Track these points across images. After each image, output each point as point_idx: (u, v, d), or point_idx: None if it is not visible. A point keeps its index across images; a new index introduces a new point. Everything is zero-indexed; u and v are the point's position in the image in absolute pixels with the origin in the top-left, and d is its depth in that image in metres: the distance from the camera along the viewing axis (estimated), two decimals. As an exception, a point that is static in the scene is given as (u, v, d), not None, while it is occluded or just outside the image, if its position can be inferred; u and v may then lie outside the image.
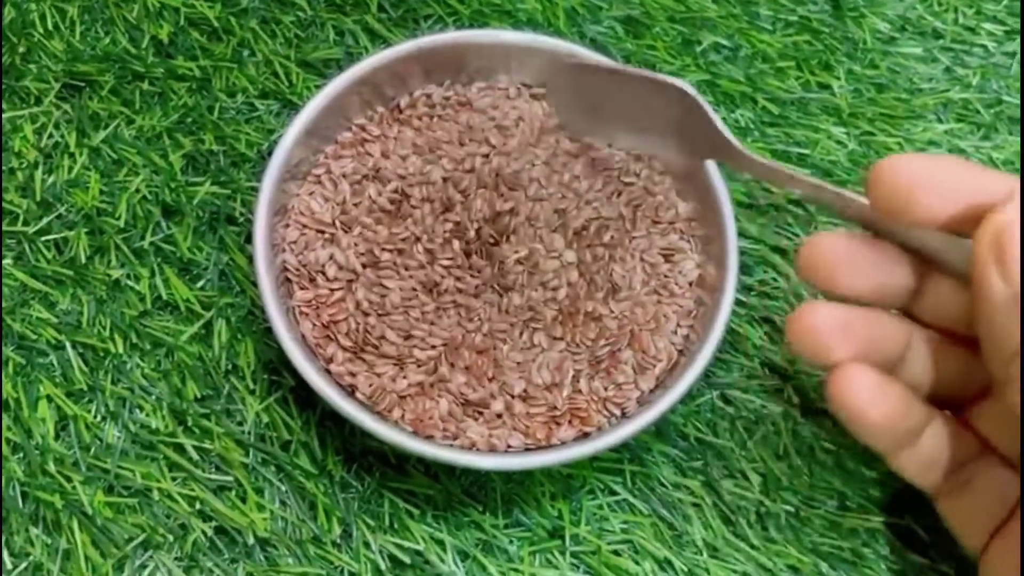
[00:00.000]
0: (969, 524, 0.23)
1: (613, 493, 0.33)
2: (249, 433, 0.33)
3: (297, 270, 0.33)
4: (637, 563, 0.32)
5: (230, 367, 0.34)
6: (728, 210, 0.33)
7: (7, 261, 0.35)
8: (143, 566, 0.30)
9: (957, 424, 0.22)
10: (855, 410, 0.20)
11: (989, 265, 0.18)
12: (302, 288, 0.32)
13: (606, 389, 0.32)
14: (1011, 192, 0.19)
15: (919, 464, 0.21)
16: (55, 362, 0.33)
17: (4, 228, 0.35)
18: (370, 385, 0.31)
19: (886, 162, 0.19)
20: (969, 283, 0.19)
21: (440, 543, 0.31)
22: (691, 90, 0.30)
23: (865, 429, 0.20)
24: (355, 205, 0.34)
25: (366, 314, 0.32)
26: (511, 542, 0.32)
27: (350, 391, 0.31)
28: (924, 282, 0.21)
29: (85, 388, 0.33)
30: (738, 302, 0.36)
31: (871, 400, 0.20)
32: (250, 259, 0.34)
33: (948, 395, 0.22)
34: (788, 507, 0.33)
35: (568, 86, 0.35)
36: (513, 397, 0.31)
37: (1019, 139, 0.42)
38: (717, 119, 0.30)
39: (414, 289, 0.32)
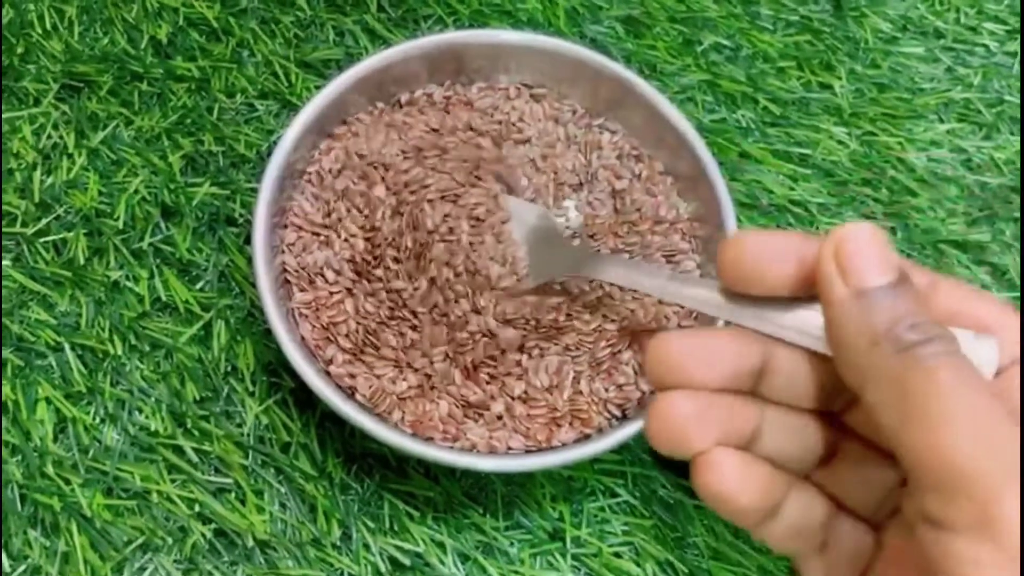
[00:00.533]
0: None
1: (614, 495, 0.33)
2: (248, 435, 0.32)
3: (296, 272, 0.32)
4: (638, 565, 0.32)
5: (229, 369, 0.34)
6: (729, 210, 0.33)
7: (6, 263, 0.35)
8: (142, 569, 0.30)
9: (811, 488, 0.22)
10: (724, 497, 0.21)
11: (832, 273, 0.20)
12: (302, 290, 0.32)
13: (607, 390, 0.32)
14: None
15: (782, 534, 0.22)
16: (54, 364, 0.33)
17: (3, 229, 0.35)
18: (370, 387, 0.31)
19: (728, 241, 0.21)
20: (813, 354, 0.21)
21: (440, 545, 0.31)
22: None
23: (734, 514, 0.21)
24: (345, 204, 0.33)
25: (365, 317, 0.32)
26: (512, 544, 0.32)
27: (350, 393, 0.31)
28: (769, 361, 0.21)
29: (84, 390, 0.33)
30: (739, 303, 0.36)
31: (739, 487, 0.21)
32: (249, 260, 0.34)
33: (798, 462, 0.22)
34: (790, 509, 0.33)
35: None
36: (513, 399, 0.31)
37: (1020, 139, 0.42)
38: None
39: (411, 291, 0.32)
